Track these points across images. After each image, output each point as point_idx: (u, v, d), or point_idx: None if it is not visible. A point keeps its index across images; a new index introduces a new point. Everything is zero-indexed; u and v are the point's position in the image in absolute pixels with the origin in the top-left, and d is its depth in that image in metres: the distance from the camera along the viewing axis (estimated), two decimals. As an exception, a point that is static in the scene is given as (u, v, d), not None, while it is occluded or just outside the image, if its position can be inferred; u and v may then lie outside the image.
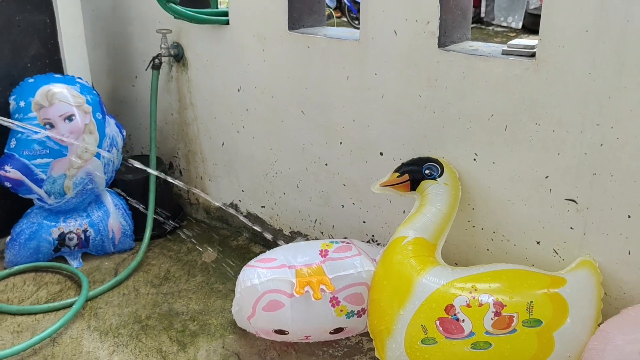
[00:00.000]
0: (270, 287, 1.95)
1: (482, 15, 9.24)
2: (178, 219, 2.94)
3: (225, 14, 2.59)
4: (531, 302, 1.79)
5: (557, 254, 2.01)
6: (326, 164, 2.49)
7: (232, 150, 2.79)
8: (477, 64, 2.00)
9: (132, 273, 2.54)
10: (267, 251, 2.14)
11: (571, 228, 1.96)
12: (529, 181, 2.00)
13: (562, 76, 1.84)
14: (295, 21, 2.43)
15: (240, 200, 2.86)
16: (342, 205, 2.50)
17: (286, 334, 2.03)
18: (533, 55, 1.90)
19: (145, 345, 2.13)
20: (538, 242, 2.04)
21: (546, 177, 1.96)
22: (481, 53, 2.02)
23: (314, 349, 2.11)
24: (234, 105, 2.69)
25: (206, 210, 3.02)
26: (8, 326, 2.23)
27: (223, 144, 2.81)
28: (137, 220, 2.75)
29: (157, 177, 2.75)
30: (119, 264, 2.63)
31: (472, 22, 7.30)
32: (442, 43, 2.08)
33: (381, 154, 2.31)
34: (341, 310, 2.01)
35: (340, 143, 2.42)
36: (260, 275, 1.97)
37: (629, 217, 1.84)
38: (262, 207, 2.77)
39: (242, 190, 2.83)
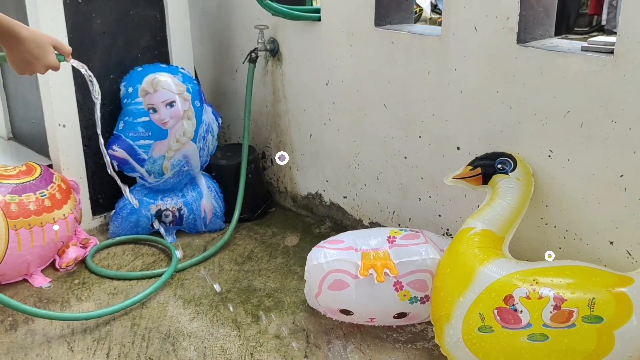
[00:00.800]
0: (336, 267, 2.05)
1: (604, 22, 8.85)
2: (266, 205, 3.11)
3: (318, 10, 2.72)
4: (593, 298, 1.77)
5: (630, 255, 1.97)
6: (405, 157, 2.56)
7: (318, 142, 2.92)
8: (555, 60, 2.00)
9: (219, 251, 2.73)
10: (338, 234, 2.24)
11: (646, 229, 1.91)
12: (603, 180, 1.97)
13: (639, 71, 1.81)
14: (382, 17, 2.52)
15: (324, 190, 2.98)
16: (419, 199, 2.56)
17: (351, 314, 2.12)
18: (612, 52, 1.88)
19: (222, 315, 2.29)
20: (611, 242, 2.01)
21: (621, 176, 1.93)
22: (560, 49, 2.01)
23: (379, 332, 2.18)
24: (322, 99, 2.82)
25: (293, 198, 3.16)
26: (106, 289, 2.47)
27: (311, 135, 2.95)
28: (228, 203, 2.94)
29: (248, 165, 2.93)
30: (208, 242, 2.83)
31: (594, 30, 7.00)
32: (522, 39, 2.09)
33: (458, 148, 2.35)
34: (404, 295, 2.07)
35: (420, 137, 2.47)
36: (327, 255, 2.07)
37: None
38: (344, 197, 2.88)
39: (327, 181, 2.95)
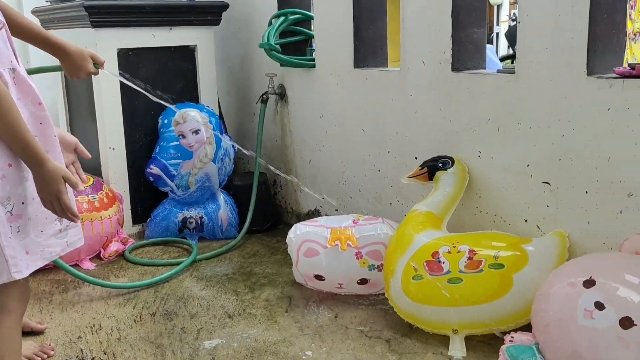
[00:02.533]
0: (309, 237, 2.64)
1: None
2: (274, 221, 3.73)
3: (313, 59, 3.44)
4: (498, 251, 2.31)
5: (539, 229, 2.50)
6: (379, 170, 3.17)
7: (315, 166, 3.56)
8: (478, 81, 2.63)
9: (230, 249, 3.35)
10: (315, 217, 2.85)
11: (547, 206, 2.45)
12: (516, 170, 2.54)
13: (532, 84, 2.42)
14: (360, 61, 3.21)
15: (321, 207, 3.60)
16: (390, 203, 3.14)
17: (323, 279, 2.68)
18: (514, 72, 2.50)
19: (226, 288, 2.89)
20: (526, 220, 2.54)
21: (527, 166, 2.49)
22: (481, 73, 2.65)
23: (347, 298, 2.73)
24: (317, 130, 3.49)
25: (297, 216, 3.78)
26: (138, 270, 3.11)
27: (310, 161, 3.60)
28: (242, 217, 3.58)
29: (259, 186, 3.58)
30: (223, 245, 3.46)
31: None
32: (456, 68, 2.73)
33: (416, 158, 2.95)
34: (364, 263, 2.63)
35: (388, 152, 3.09)
36: (302, 229, 2.68)
37: (586, 192, 2.31)
38: (335, 210, 3.48)
39: (322, 198, 3.57)
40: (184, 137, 3.40)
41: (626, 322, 1.85)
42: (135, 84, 2.48)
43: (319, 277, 2.69)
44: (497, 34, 10.79)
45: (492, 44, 8.27)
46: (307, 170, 3.64)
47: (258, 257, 3.28)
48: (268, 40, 3.45)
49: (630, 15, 6.99)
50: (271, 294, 2.81)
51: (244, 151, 3.06)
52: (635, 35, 7.20)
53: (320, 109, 3.45)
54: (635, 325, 1.84)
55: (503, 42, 9.65)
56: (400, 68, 2.95)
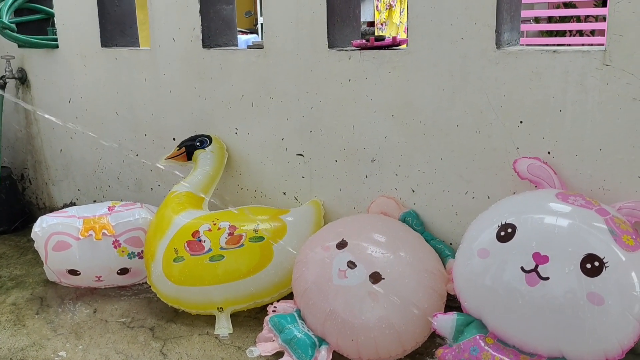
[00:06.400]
0: (57, 230, 2.42)
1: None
2: (24, 220, 3.37)
3: (56, 39, 3.15)
4: (258, 225, 2.32)
5: (297, 200, 2.56)
6: (137, 155, 3.01)
7: (68, 155, 3.29)
8: (229, 57, 2.60)
9: (-30, 254, 2.96)
10: (65, 208, 2.62)
11: (303, 177, 2.52)
12: (272, 144, 2.57)
13: (280, 58, 2.45)
14: (108, 40, 3.01)
15: (77, 199, 3.33)
16: (152, 189, 3.01)
17: (78, 274, 2.47)
18: (262, 47, 2.52)
19: (-36, 296, 2.54)
20: (284, 193, 2.59)
21: (282, 139, 2.54)
22: (231, 49, 2.63)
23: (108, 291, 2.55)
24: (67, 115, 3.21)
25: (52, 211, 3.45)
26: None
27: (61, 150, 3.31)
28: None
29: (3, 182, 3.20)
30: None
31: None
32: (207, 44, 2.68)
33: (174, 139, 2.85)
34: (123, 251, 2.48)
35: (145, 135, 2.95)
36: (49, 221, 2.44)
37: (336, 161, 2.42)
38: (93, 201, 3.25)
39: (78, 190, 3.31)
40: None
41: (375, 277, 1.97)
42: None
43: (73, 272, 2.47)
44: (262, 24, 11.00)
45: (257, 34, 8.41)
46: (59, 160, 3.34)
47: (4, 259, 2.94)
48: (0, 18, 3.08)
49: (377, 6, 7.60)
50: (19, 297, 2.52)
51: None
52: (382, 25, 7.84)
53: (67, 93, 3.18)
54: (384, 279, 1.97)
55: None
56: (151, 46, 2.82)
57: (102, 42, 2.99)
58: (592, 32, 6.22)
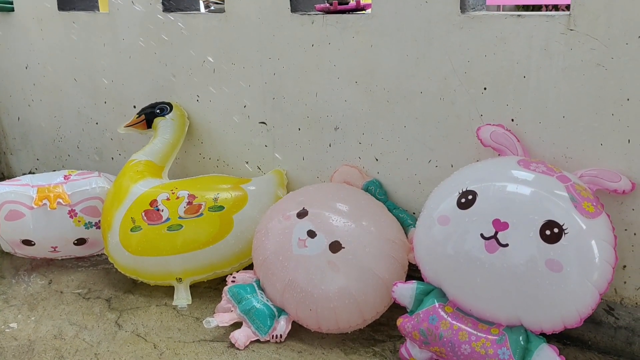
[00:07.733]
0: (10, 198, 2.33)
1: None
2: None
3: (11, 2, 3.03)
4: (218, 194, 2.26)
5: (260, 169, 2.51)
6: (97, 123, 2.92)
7: (26, 124, 3.18)
8: (190, 21, 2.51)
9: None
10: (18, 177, 2.54)
11: (265, 146, 2.46)
12: (234, 112, 2.50)
13: (242, 22, 2.37)
14: (65, 3, 2.90)
15: (36, 169, 3.24)
16: (112, 158, 2.93)
17: (33, 244, 2.40)
18: (224, 11, 2.44)
19: None
20: (247, 162, 2.53)
21: (245, 107, 2.47)
22: (192, 12, 2.54)
23: (65, 262, 2.49)
24: (24, 82, 3.10)
25: (10, 182, 3.36)
26: None
27: (19, 118, 3.20)
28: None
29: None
30: None
31: None
32: (167, 8, 2.59)
33: (134, 107, 2.77)
34: (79, 221, 2.40)
35: (105, 102, 2.86)
36: (1, 189, 2.35)
37: (299, 129, 2.36)
38: (53, 171, 3.15)
39: (37, 159, 3.21)
40: None
41: (335, 246, 1.93)
42: None
43: (27, 242, 2.39)
44: None
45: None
46: (16, 128, 3.23)
47: (-41, 230, 2.84)
48: (-48, -21, 2.95)
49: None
50: (-29, 270, 2.45)
51: None
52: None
53: (24, 59, 3.06)
54: (344, 248, 1.93)
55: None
56: (109, 10, 2.72)
57: (59, 5, 2.88)
58: (568, 7, 6.19)
